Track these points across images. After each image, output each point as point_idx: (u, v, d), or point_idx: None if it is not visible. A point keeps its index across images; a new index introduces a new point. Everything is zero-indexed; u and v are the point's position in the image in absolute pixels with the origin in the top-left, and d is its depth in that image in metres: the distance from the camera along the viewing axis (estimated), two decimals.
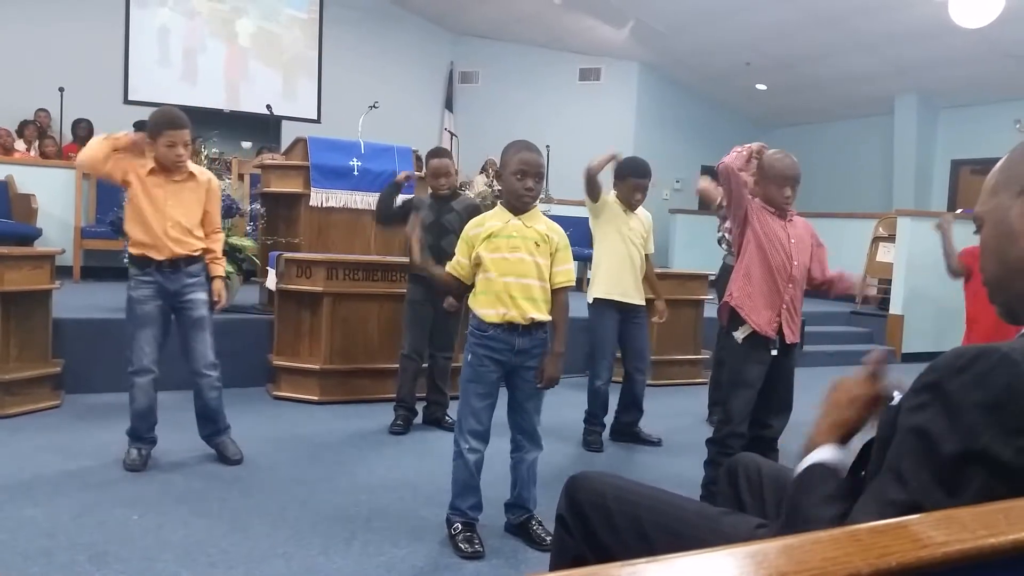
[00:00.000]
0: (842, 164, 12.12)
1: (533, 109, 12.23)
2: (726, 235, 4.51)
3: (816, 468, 1.19)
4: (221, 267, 3.52)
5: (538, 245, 2.69)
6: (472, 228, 2.73)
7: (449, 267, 2.77)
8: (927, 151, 11.05)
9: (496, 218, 2.72)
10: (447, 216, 4.08)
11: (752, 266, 3.13)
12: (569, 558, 1.51)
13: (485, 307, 2.68)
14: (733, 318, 3.17)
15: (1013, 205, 1.05)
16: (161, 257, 3.30)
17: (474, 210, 4.00)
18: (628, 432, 4.27)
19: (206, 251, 3.45)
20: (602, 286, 4.11)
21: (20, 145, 8.78)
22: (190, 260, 3.38)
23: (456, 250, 2.77)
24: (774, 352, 3.11)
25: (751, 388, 3.12)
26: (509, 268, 2.65)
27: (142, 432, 3.40)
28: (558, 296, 2.75)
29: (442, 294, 3.71)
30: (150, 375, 3.34)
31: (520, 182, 2.65)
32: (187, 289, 3.37)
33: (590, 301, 4.16)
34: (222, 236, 3.59)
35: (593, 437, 4.14)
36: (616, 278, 4.08)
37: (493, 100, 12.68)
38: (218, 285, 3.48)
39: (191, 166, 3.38)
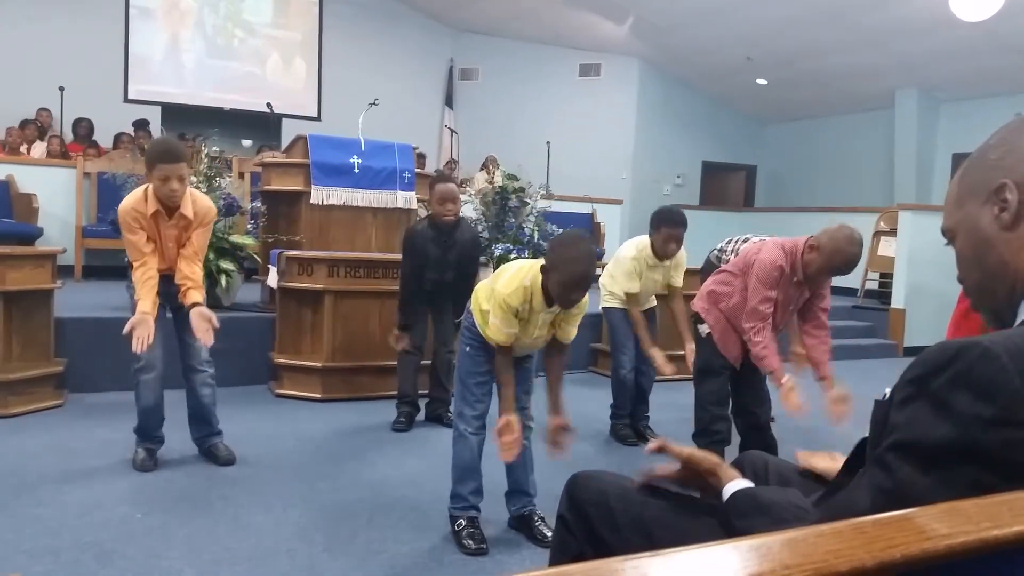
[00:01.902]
0: (843, 159, 12.10)
1: (533, 105, 12.23)
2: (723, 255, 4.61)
3: (746, 492, 1.31)
4: (198, 293, 3.28)
5: (553, 326, 2.70)
6: (512, 305, 2.55)
7: (501, 337, 2.59)
8: (928, 145, 11.03)
9: (530, 299, 2.57)
10: (452, 253, 3.98)
11: (734, 315, 3.23)
12: (570, 557, 1.51)
13: (490, 335, 2.66)
14: (699, 315, 3.36)
15: (982, 214, 1.08)
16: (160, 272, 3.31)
17: (477, 242, 4.00)
18: (634, 427, 4.30)
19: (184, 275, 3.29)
20: (619, 301, 4.17)
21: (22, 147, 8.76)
22: None
23: (498, 317, 2.57)
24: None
25: (718, 375, 3.28)
26: (530, 344, 2.72)
27: (151, 430, 3.40)
28: (559, 351, 2.77)
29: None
30: (154, 371, 3.33)
31: (566, 292, 2.49)
32: None
33: (603, 307, 4.24)
34: (200, 264, 3.36)
35: (626, 432, 4.19)
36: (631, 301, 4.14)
37: (493, 96, 12.67)
38: (198, 311, 3.21)
39: (188, 203, 3.25)
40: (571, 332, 2.73)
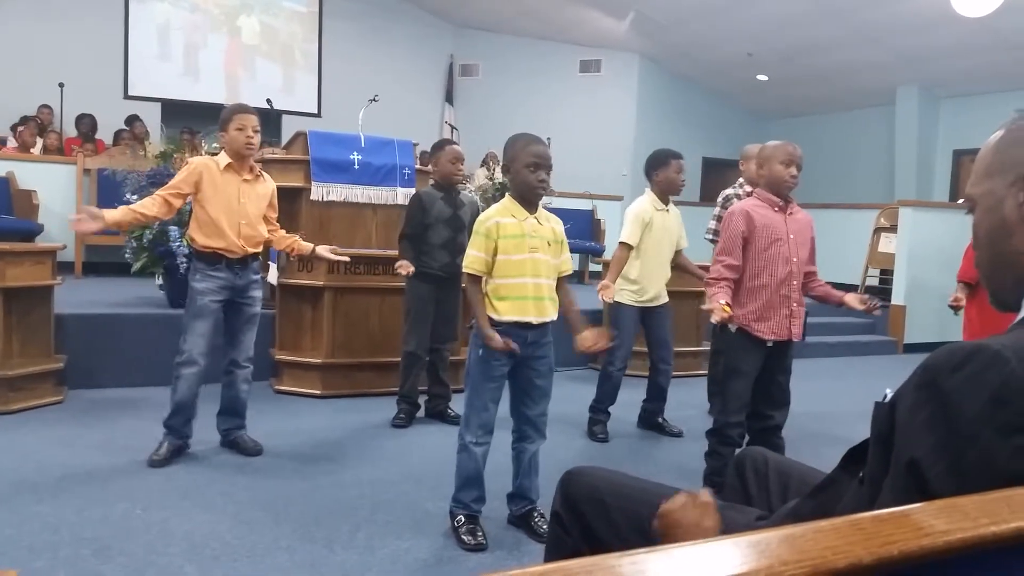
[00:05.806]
0: (843, 155, 12.09)
1: (533, 101, 12.20)
2: (713, 235, 4.59)
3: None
4: (303, 242, 3.72)
5: (550, 244, 2.72)
6: (488, 222, 2.68)
7: (467, 268, 2.70)
8: (929, 141, 11.02)
9: (510, 213, 2.70)
10: (462, 210, 4.11)
11: (748, 277, 3.10)
12: (565, 554, 1.49)
13: (506, 310, 2.67)
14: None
15: (1007, 196, 1.03)
16: (234, 256, 3.39)
17: (478, 209, 4.01)
18: (652, 421, 4.31)
19: (276, 240, 3.67)
20: (629, 294, 4.10)
21: (11, 141, 8.71)
22: (255, 257, 3.53)
23: (472, 246, 2.70)
24: (770, 343, 3.09)
25: (746, 377, 3.12)
26: (533, 270, 2.68)
27: (179, 425, 3.43)
28: (564, 284, 2.84)
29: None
30: (196, 367, 3.37)
31: (534, 174, 2.65)
32: (252, 285, 3.50)
33: (614, 300, 4.12)
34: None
35: (599, 427, 4.14)
36: (643, 284, 4.07)
37: (493, 93, 12.65)
38: (320, 249, 3.68)
39: (258, 169, 3.51)
40: (566, 261, 2.83)
